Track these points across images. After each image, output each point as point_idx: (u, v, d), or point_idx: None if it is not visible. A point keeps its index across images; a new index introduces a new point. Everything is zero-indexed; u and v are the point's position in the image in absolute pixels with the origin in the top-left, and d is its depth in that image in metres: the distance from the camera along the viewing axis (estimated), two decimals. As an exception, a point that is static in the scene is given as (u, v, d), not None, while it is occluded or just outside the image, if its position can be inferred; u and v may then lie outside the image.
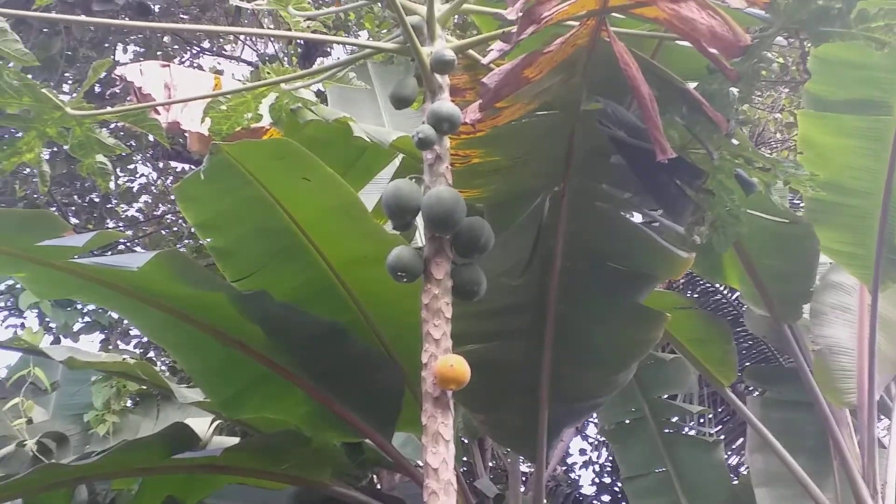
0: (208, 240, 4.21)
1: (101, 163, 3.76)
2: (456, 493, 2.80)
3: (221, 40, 11.69)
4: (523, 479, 7.24)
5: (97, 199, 10.68)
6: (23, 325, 9.57)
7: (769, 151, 10.26)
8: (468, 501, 5.27)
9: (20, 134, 3.61)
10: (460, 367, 2.85)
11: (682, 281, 9.65)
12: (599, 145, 3.84)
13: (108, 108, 3.76)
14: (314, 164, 3.90)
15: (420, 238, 3.98)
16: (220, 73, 10.76)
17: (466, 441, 6.59)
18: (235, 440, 5.38)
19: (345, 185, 4.03)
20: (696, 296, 9.46)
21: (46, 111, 3.51)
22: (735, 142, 3.41)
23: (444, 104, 3.18)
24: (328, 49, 10.59)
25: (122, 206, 11.40)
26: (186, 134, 4.98)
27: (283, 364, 4.53)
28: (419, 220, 3.17)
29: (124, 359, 5.60)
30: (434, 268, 3.06)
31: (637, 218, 4.52)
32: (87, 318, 8.50)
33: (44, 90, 3.45)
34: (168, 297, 4.15)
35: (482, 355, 4.56)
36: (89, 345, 9.79)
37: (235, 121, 4.01)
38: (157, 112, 4.62)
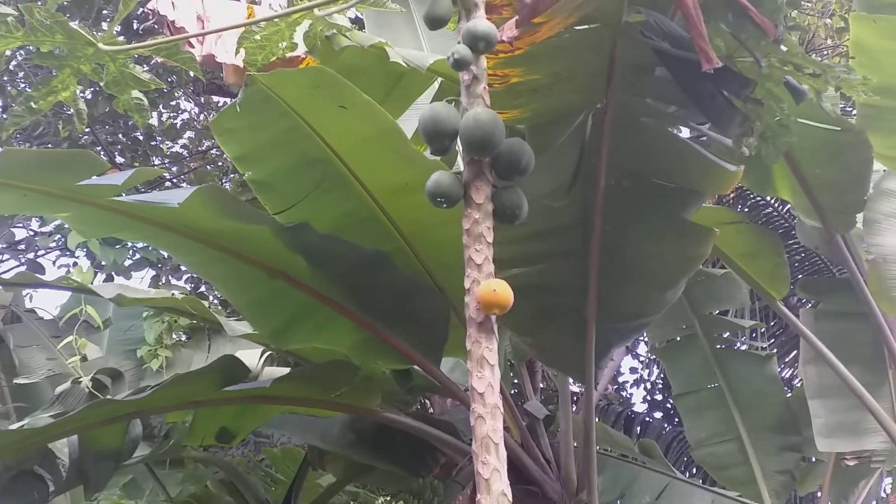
0: (248, 173, 4.19)
1: (137, 98, 3.72)
2: (502, 416, 2.78)
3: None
4: (574, 399, 7.26)
5: (141, 137, 10.72)
6: (75, 264, 9.70)
7: (819, 58, 9.93)
8: (518, 423, 5.30)
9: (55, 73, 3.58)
10: (503, 291, 2.81)
11: (731, 195, 9.48)
12: (642, 59, 3.71)
13: (141, 43, 3.70)
14: (351, 91, 3.84)
15: (461, 163, 3.92)
16: (255, 1, 10.65)
17: (514, 363, 6.59)
18: (286, 371, 5.42)
19: (383, 112, 3.96)
20: (746, 210, 9.29)
21: (79, 48, 3.47)
22: (784, 48, 3.28)
23: (480, 22, 3.07)
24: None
25: (166, 142, 11.44)
26: (223, 66, 4.92)
27: (328, 294, 4.53)
28: (459, 144, 3.11)
29: (173, 294, 5.66)
30: (474, 192, 2.99)
31: (684, 132, 4.42)
32: (136, 256, 8.58)
33: (75, 27, 3.41)
34: (211, 231, 4.15)
35: (527, 278, 4.53)
36: (142, 281, 9.92)
37: (270, 50, 3.92)
38: (191, 45, 4.56)
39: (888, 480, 7.82)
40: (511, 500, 2.74)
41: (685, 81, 3.59)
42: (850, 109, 6.55)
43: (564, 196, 4.18)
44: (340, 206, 4.33)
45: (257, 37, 3.87)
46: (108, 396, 4.98)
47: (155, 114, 11.03)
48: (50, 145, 9.35)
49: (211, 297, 9.45)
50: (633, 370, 12.33)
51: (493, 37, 3.04)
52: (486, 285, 2.85)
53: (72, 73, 3.57)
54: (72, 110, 3.67)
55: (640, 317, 4.89)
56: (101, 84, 3.67)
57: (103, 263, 7.77)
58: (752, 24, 3.20)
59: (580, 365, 4.79)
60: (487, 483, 2.72)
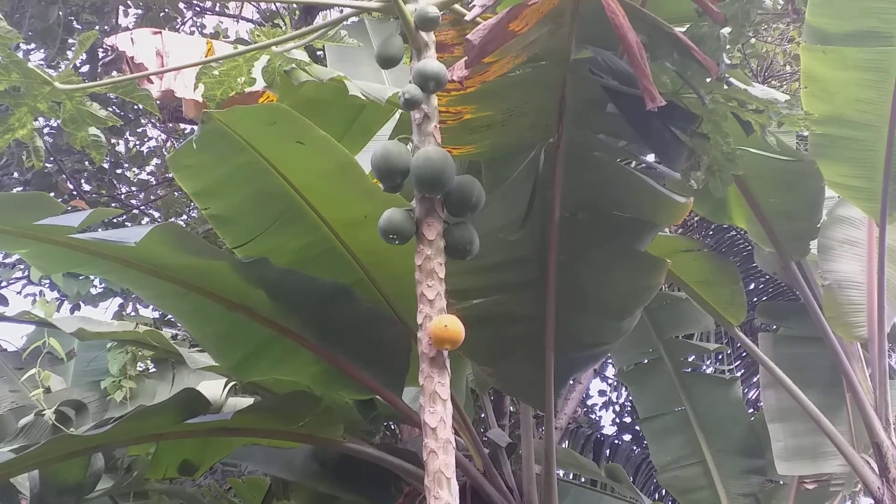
0: (206, 208, 4.22)
1: (94, 135, 3.76)
2: (454, 451, 2.83)
3: (222, -2, 11.58)
4: (538, 425, 7.31)
5: (107, 166, 10.69)
6: (41, 293, 9.65)
7: (779, 84, 10.12)
8: (480, 451, 5.34)
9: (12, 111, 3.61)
10: (454, 326, 2.86)
11: (695, 220, 9.61)
12: (593, 95, 3.81)
13: (97, 81, 3.74)
14: (307, 127, 3.89)
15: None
16: (220, 33, 10.70)
17: (477, 392, 6.64)
18: (250, 401, 5.44)
19: (339, 147, 4.02)
20: (710, 234, 9.42)
21: (36, 87, 3.51)
22: (734, 82, 3.37)
23: (430, 62, 3.15)
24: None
25: (133, 169, 11.40)
26: (182, 101, 4.96)
27: (289, 326, 4.57)
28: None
29: (137, 326, 5.66)
30: (426, 228, 3.05)
31: (636, 163, 4.50)
32: (102, 286, 8.55)
33: (31, 66, 3.44)
34: (170, 267, 4.18)
35: (486, 309, 4.59)
36: (110, 310, 9.87)
37: (229, 86, 3.98)
38: (151, 81, 4.60)
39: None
40: (463, 532, 2.78)
41: (633, 117, 3.69)
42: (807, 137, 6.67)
43: (520, 229, 4.24)
44: (300, 239, 4.38)
45: (216, 72, 3.93)
46: (72, 429, 4.98)
47: (122, 141, 11.02)
48: (15, 174, 9.32)
49: (179, 326, 9.43)
50: (601, 393, 12.41)
51: (443, 76, 3.11)
52: (438, 321, 2.90)
53: (29, 112, 3.61)
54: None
55: (598, 345, 4.96)
56: (58, 121, 3.71)
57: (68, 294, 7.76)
58: (696, 63, 3.30)
59: (540, 393, 4.83)
60: (439, 517, 2.75)
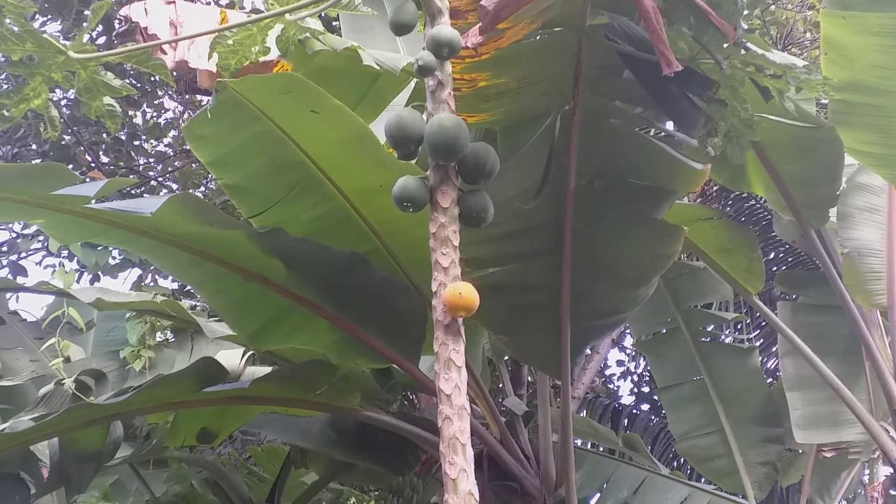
0: (222, 178, 4.23)
1: (108, 105, 3.76)
2: (469, 418, 2.84)
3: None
4: (556, 394, 7.32)
5: (124, 137, 10.73)
6: (61, 265, 9.71)
7: (798, 52, 10.00)
8: (497, 420, 5.36)
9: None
10: (469, 294, 2.86)
11: (714, 189, 9.56)
12: (608, 61, 3.77)
13: (111, 51, 3.74)
14: (322, 96, 3.88)
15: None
16: (235, 2, 10.66)
17: (494, 360, 6.65)
18: (268, 370, 5.47)
19: (354, 116, 4.01)
20: (729, 204, 9.37)
21: (50, 56, 3.51)
22: (751, 47, 3.33)
23: (443, 29, 3.12)
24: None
25: (150, 141, 11.44)
26: (197, 71, 4.96)
27: (306, 296, 4.58)
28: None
29: (155, 296, 5.69)
30: (440, 196, 3.04)
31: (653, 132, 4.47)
32: (121, 256, 8.60)
33: (45, 35, 3.45)
34: (186, 236, 4.19)
35: (501, 278, 4.59)
36: (125, 281, 9.93)
37: (243, 55, 3.97)
38: (164, 51, 4.60)
39: (868, 471, 7.89)
40: (478, 499, 2.79)
41: (649, 83, 3.65)
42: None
43: (535, 197, 4.23)
44: (315, 208, 4.39)
45: (230, 41, 3.92)
46: (91, 398, 5.02)
47: (139, 113, 11.05)
48: (34, 146, 9.37)
49: (198, 297, 9.48)
50: (619, 363, 12.41)
51: (457, 43, 3.09)
52: (452, 288, 2.90)
53: (43, 81, 3.62)
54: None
55: (614, 314, 4.95)
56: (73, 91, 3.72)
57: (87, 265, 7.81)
58: (713, 28, 3.26)
59: (556, 362, 4.84)
60: (455, 483, 2.76)
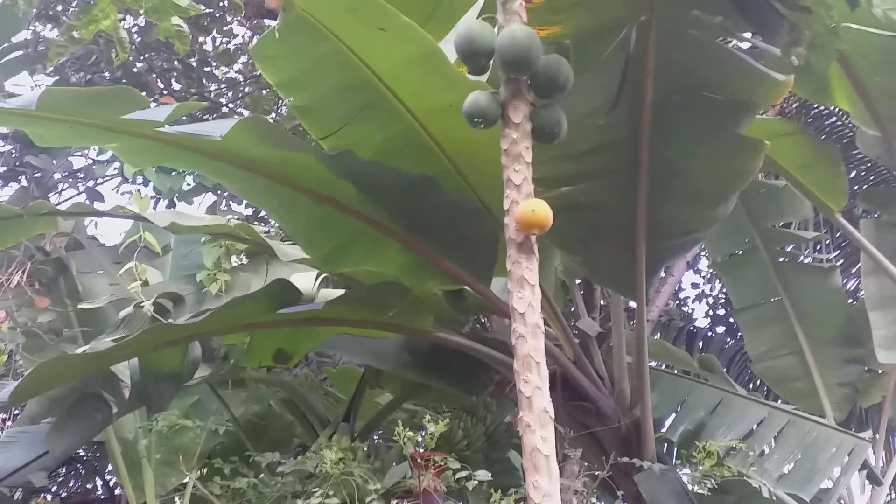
0: (290, 99, 4.21)
1: (177, 25, 3.76)
2: (543, 336, 2.82)
3: None
4: (630, 316, 7.25)
5: (194, 64, 10.77)
6: (138, 191, 9.87)
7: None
8: (571, 341, 5.33)
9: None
10: (542, 211, 2.82)
11: (794, 105, 9.27)
12: (687, -33, 3.64)
13: (179, -29, 3.72)
14: (390, 13, 3.81)
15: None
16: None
17: (566, 281, 6.60)
18: (341, 292, 5.51)
19: (423, 34, 3.93)
20: (808, 120, 9.07)
21: (118, -22, 3.52)
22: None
23: (516, -64, 3.03)
24: None
25: (221, 68, 11.47)
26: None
27: (377, 218, 4.58)
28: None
29: (229, 220, 5.74)
30: (511, 111, 3.00)
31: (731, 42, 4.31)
32: (194, 182, 8.70)
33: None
34: (256, 159, 4.20)
35: (575, 197, 4.54)
36: (200, 206, 10.06)
37: (310, -27, 3.93)
38: (232, -29, 4.56)
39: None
40: (553, 417, 2.78)
41: (731, -10, 3.51)
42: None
43: (610, 113, 4.13)
44: (385, 129, 4.35)
45: (297, -40, 3.86)
46: (170, 320, 5.13)
47: (209, 39, 11.07)
48: (107, 73, 9.46)
49: (273, 221, 9.57)
50: (694, 285, 12.25)
51: (529, -48, 3.00)
52: (525, 205, 2.87)
53: (111, 2, 3.62)
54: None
55: (691, 233, 4.86)
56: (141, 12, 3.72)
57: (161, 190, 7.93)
58: (798, -72, 3.10)
59: (631, 282, 4.79)
60: (529, 401, 2.76)
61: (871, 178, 8.51)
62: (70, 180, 9.96)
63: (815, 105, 8.66)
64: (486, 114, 3.01)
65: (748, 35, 4.16)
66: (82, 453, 8.85)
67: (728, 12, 3.81)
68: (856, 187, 8.32)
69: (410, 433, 4.38)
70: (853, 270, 10.13)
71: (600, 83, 4.07)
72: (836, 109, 8.48)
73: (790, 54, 3.53)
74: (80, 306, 6.18)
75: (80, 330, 6.39)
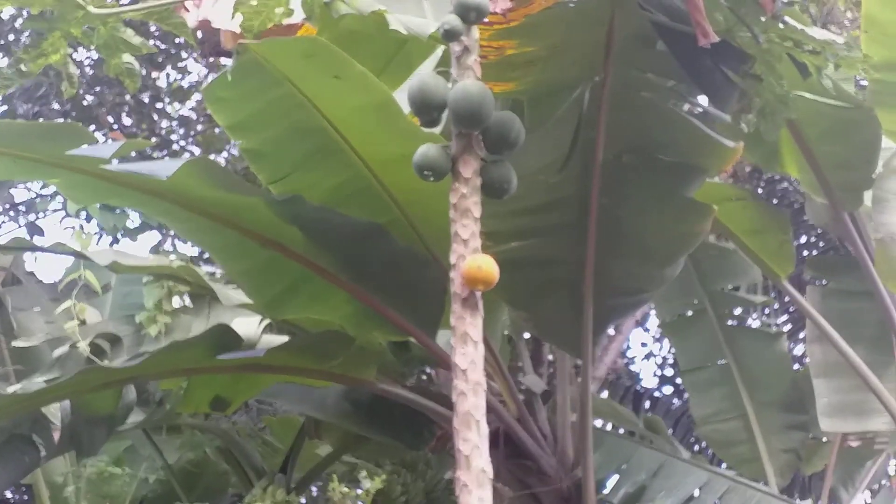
0: (240, 142, 4.21)
1: (127, 63, 3.75)
2: (485, 393, 2.81)
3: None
4: (577, 373, 7.29)
5: (147, 100, 10.73)
6: (82, 227, 9.75)
7: (839, 31, 9.81)
8: (515, 397, 5.33)
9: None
10: (488, 267, 2.82)
11: (748, 169, 9.46)
12: (642, 31, 3.72)
13: (131, 6, 3.72)
14: (345, 61, 3.83)
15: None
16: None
17: (513, 337, 6.62)
18: (284, 339, 5.47)
19: (378, 83, 3.96)
20: (762, 185, 9.27)
21: (69, 11, 3.49)
22: (789, 21, 3.27)
23: (471, -7, 3.07)
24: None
25: (174, 104, 11.43)
26: (220, 32, 4.93)
27: (323, 265, 4.55)
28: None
29: (172, 260, 5.69)
30: (462, 166, 3.00)
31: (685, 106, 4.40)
32: (139, 220, 8.63)
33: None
34: (202, 201, 4.16)
35: (524, 252, 4.57)
36: (149, 243, 9.96)
37: (267, 16, 3.93)
38: (187, 9, 4.57)
39: (894, 462, 7.83)
40: (491, 477, 2.77)
41: (683, 56, 3.59)
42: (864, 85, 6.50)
43: (561, 170, 4.18)
44: (335, 176, 4.34)
45: (253, 2, 3.88)
46: (106, 361, 5.05)
47: (163, 75, 11.04)
48: (56, 106, 9.38)
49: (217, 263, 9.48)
50: (643, 344, 12.33)
51: (485, 7, 3.03)
52: (472, 261, 2.87)
53: (62, 37, 3.60)
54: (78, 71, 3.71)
55: (639, 292, 4.92)
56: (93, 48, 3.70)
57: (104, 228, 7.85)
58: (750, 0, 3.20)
59: (577, 339, 4.82)
60: (468, 460, 2.73)
61: (821, 244, 8.70)
62: (11, 213, 9.82)
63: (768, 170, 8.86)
64: (435, 167, 3.01)
65: (700, 100, 4.24)
66: (10, 495, 8.63)
67: (681, 77, 3.89)
68: (805, 253, 8.49)
69: (346, 489, 4.33)
70: (801, 335, 10.31)
71: (553, 140, 4.12)
72: (789, 175, 8.70)
73: (740, 121, 3.62)
74: (13, 344, 6.04)
75: (13, 368, 6.24)
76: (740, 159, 5.04)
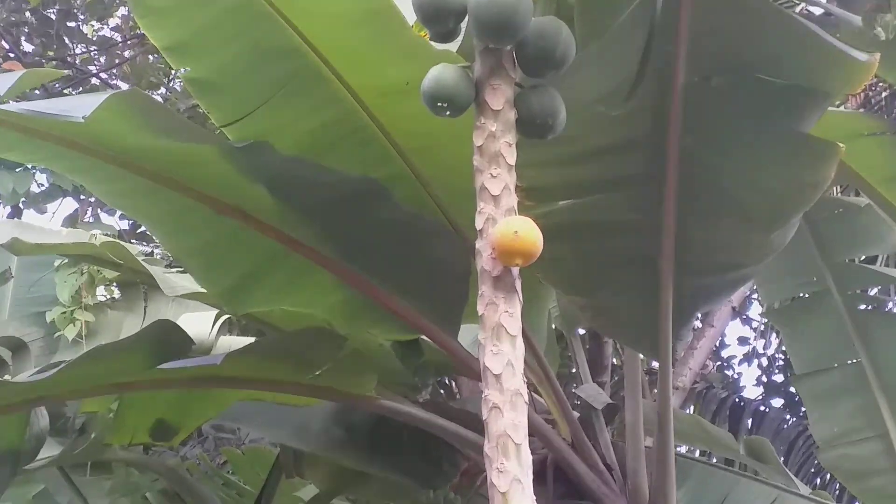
0: (184, 69, 4.20)
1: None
2: (528, 408, 2.82)
3: None
4: (651, 381, 7.32)
5: (54, 17, 10.78)
6: (-25, 195, 9.83)
7: None
8: (568, 415, 5.35)
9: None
10: (528, 233, 2.82)
11: (884, 94, 9.45)
12: None
13: None
14: (325, -47, 3.84)
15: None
16: None
17: (564, 333, 6.65)
18: (250, 341, 5.50)
19: (370, -16, 3.97)
20: (897, 115, 9.27)
21: None
22: None
23: None
24: None
25: (91, 23, 11.48)
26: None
27: (301, 238, 4.57)
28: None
29: (94, 236, 5.72)
30: (489, 94, 3.02)
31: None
32: (47, 183, 8.69)
33: None
34: (135, 153, 4.16)
35: (576, 215, 4.57)
36: (54, 216, 10.06)
37: None
38: None
39: None
40: (539, 522, 2.78)
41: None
42: None
43: (627, 99, 4.15)
44: (315, 115, 4.37)
45: None
46: (7, 375, 5.09)
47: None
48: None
49: (154, 239, 9.56)
50: (742, 340, 12.39)
51: None
52: (505, 225, 2.88)
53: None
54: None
55: (736, 267, 4.89)
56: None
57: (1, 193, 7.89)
58: None
59: (652, 334, 4.80)
60: (504, 498, 2.75)
61: None
62: None
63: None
64: (453, 96, 3.03)
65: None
66: None
67: (794, -33, 3.87)
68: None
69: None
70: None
71: (615, 57, 4.09)
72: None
73: (874, 25, 3.59)
74: None
75: None
76: (874, 79, 5.00)
